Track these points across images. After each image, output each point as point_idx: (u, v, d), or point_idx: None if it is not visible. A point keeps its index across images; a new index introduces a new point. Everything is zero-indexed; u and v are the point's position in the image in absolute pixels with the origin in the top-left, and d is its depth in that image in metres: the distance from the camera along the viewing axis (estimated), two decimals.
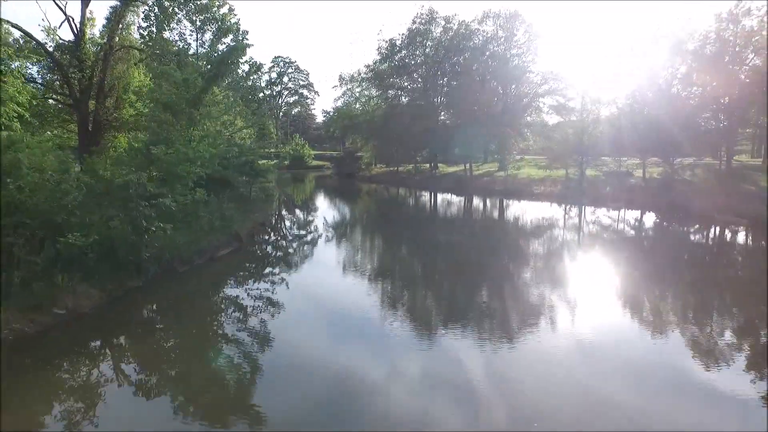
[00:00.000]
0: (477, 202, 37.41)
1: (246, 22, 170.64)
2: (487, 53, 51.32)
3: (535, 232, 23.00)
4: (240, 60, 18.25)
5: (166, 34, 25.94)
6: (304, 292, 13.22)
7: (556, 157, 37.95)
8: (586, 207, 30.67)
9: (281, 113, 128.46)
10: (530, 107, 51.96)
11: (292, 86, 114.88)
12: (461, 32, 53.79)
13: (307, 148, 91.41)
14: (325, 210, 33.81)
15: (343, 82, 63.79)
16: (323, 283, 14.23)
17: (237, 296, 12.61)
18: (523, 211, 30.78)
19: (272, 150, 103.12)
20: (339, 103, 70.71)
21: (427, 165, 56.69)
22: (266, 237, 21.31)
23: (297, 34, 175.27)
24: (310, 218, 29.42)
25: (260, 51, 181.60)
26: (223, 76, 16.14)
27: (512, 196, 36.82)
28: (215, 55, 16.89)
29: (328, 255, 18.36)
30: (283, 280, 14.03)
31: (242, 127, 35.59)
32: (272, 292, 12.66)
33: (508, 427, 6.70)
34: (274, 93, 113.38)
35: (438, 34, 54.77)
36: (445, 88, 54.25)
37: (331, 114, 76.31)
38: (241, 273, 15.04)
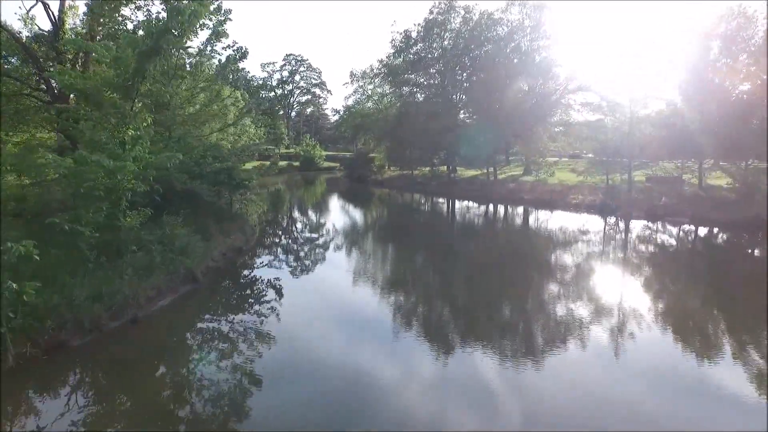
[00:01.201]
0: (503, 212, 32.16)
1: (258, 19, 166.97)
2: (512, 45, 45.92)
3: (584, 260, 17.74)
4: (195, 28, 13.41)
5: (126, 11, 21.16)
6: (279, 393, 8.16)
7: (597, 160, 32.54)
8: (638, 221, 25.28)
9: (293, 113, 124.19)
10: (559, 105, 46.32)
11: (304, 85, 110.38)
12: (483, 22, 48.44)
13: (318, 148, 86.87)
14: (328, 221, 28.92)
15: (355, 78, 59.06)
16: (308, 375, 8.23)
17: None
18: (561, 226, 25.43)
19: (282, 151, 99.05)
20: (350, 102, 66.07)
21: (444, 168, 51.53)
22: (241, 268, 16.39)
23: (310, 31, 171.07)
24: (308, 233, 24.53)
25: (272, 49, 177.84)
26: (164, 51, 11.48)
27: (544, 206, 31.50)
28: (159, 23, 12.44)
29: (318, 306, 12.35)
30: (235, 370, 8.33)
31: (229, 122, 30.69)
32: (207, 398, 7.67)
33: None
34: (286, 92, 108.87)
35: (457, 25, 49.49)
36: (465, 84, 48.90)
37: (342, 113, 71.44)
38: (164, 350, 9.38)
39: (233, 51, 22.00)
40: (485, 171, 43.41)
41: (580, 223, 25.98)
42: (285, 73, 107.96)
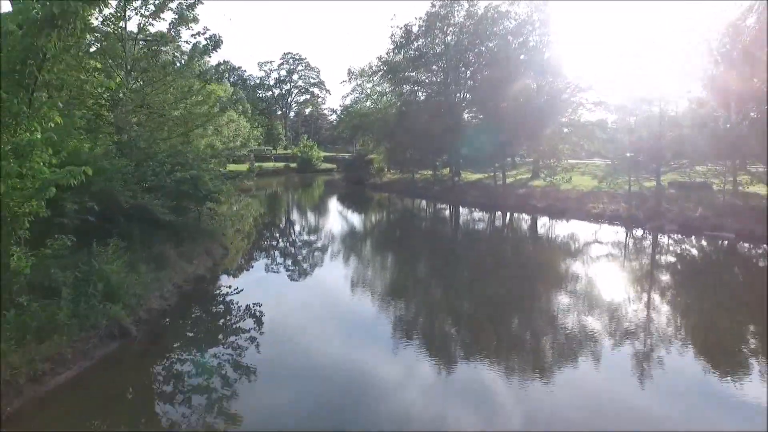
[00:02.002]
0: (514, 222, 28.80)
1: (255, 18, 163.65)
2: (520, 40, 42.60)
3: (625, 288, 14.42)
4: None
5: None
6: None
7: (618, 165, 29.21)
8: (671, 235, 21.97)
9: (292, 113, 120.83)
10: (570, 104, 42.92)
11: (302, 84, 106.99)
12: (489, 16, 45.10)
13: (316, 149, 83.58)
14: (320, 233, 25.60)
15: (353, 76, 55.64)
16: None
17: None
18: (584, 241, 22.10)
19: (279, 151, 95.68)
20: (348, 101, 62.67)
21: (447, 170, 48.08)
22: (200, 305, 13.06)
23: (308, 30, 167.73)
24: (295, 248, 21.20)
25: (269, 48, 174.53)
26: (66, 19, 8.35)
27: (558, 215, 28.16)
28: None
29: (300, 366, 8.93)
30: None
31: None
32: None
33: None
34: (283, 91, 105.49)
35: (461, 19, 46.11)
36: (470, 82, 45.54)
37: (339, 113, 67.99)
38: None
39: (205, 40, 18.72)
40: (491, 175, 40.04)
41: (605, 236, 22.65)
42: (283, 72, 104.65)
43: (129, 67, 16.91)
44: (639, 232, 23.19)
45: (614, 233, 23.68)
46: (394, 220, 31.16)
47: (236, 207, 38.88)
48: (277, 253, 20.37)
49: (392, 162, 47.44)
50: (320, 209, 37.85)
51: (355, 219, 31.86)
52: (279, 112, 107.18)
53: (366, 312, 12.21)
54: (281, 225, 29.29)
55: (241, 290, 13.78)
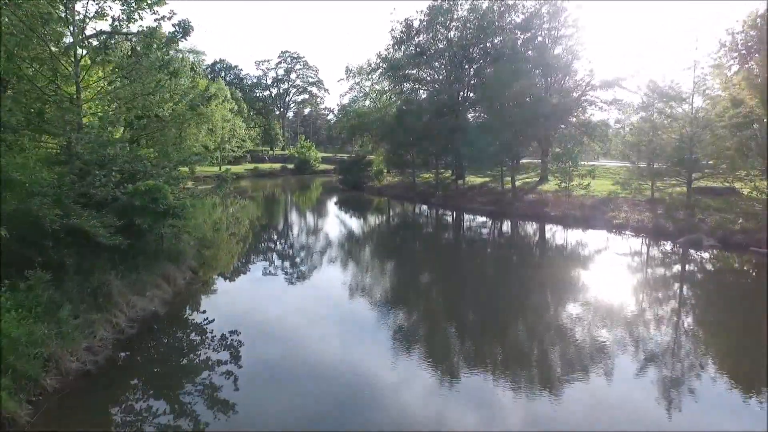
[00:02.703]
0: (525, 233, 25.97)
1: (251, 16, 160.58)
2: (528, 34, 39.83)
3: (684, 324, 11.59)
4: None
5: None
6: None
7: (643, 169, 26.37)
8: (712, 251, 19.13)
9: (291, 113, 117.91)
10: (581, 103, 40.06)
11: (300, 83, 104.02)
12: (494, 8, 42.32)
13: (313, 150, 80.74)
14: (309, 247, 22.73)
15: (351, 74, 52.80)
16: None
17: None
18: (612, 258, 19.26)
19: (277, 152, 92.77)
20: (346, 100, 59.87)
21: (449, 173, 45.17)
22: (150, 354, 10.21)
23: (305, 29, 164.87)
24: (276, 271, 18.31)
25: (267, 47, 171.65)
26: None
27: (575, 224, 25.34)
28: None
29: None
30: None
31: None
32: None
33: None
34: (281, 91, 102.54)
35: (464, 13, 43.30)
36: (474, 80, 42.74)
37: (336, 112, 65.11)
38: None
39: (173, 26, 15.82)
40: (495, 177, 37.14)
41: (632, 251, 19.82)
42: (281, 71, 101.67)
43: (79, 55, 14.01)
44: (668, 246, 20.36)
45: (641, 247, 20.85)
46: (392, 230, 28.27)
47: (232, 209, 36.54)
48: (260, 271, 17.47)
49: (392, 164, 44.58)
50: (314, 215, 35.00)
51: (351, 228, 28.99)
52: (277, 112, 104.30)
53: (366, 362, 9.36)
54: (271, 235, 26.45)
55: (211, 321, 10.98)
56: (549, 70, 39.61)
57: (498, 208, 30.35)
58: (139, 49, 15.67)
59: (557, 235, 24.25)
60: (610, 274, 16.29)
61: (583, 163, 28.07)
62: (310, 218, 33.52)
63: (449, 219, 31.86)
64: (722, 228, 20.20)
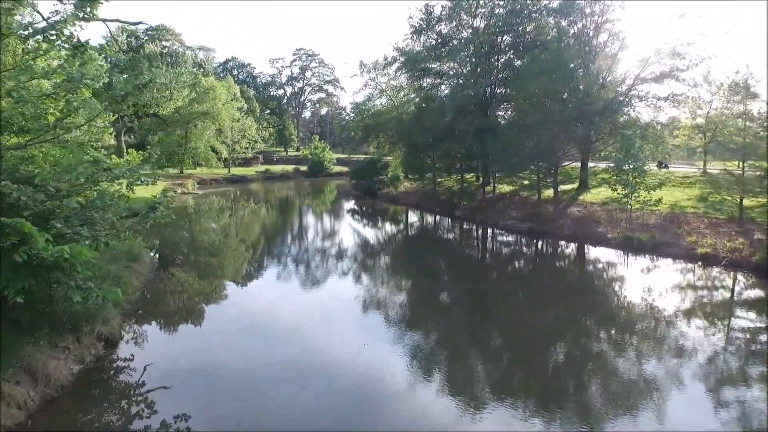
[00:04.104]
0: (590, 271, 20.25)
1: (267, 13, 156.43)
2: (569, 19, 33.96)
3: None
4: None
5: None
6: None
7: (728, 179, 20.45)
8: None
9: (308, 112, 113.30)
10: (629, 98, 33.92)
11: (316, 82, 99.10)
12: None
13: (328, 151, 75.70)
14: (303, 280, 17.47)
15: (365, 69, 47.39)
16: None
17: None
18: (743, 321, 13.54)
19: (291, 153, 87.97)
20: (360, 97, 54.63)
21: (472, 176, 39.33)
22: None
23: (320, 24, 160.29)
24: (253, 315, 13.10)
25: (282, 45, 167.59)
26: None
27: (640, 250, 19.60)
28: None
29: None
30: None
31: None
32: None
33: None
34: (296, 89, 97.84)
35: None
36: (503, 73, 36.98)
37: (350, 111, 59.85)
38: None
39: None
40: (526, 185, 31.34)
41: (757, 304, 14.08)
42: (295, 69, 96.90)
43: None
44: None
45: (750, 290, 15.09)
46: (408, 263, 22.79)
47: (234, 219, 31.04)
48: (240, 317, 12.25)
49: (409, 168, 39.00)
50: (316, 234, 29.83)
51: (358, 257, 23.71)
52: (292, 112, 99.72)
53: None
54: (262, 263, 21.33)
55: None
56: (591, 61, 33.72)
57: (537, 225, 24.64)
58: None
59: (629, 270, 18.39)
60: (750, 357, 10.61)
61: (650, 167, 22.18)
62: (310, 238, 28.34)
63: (479, 238, 26.31)
64: None
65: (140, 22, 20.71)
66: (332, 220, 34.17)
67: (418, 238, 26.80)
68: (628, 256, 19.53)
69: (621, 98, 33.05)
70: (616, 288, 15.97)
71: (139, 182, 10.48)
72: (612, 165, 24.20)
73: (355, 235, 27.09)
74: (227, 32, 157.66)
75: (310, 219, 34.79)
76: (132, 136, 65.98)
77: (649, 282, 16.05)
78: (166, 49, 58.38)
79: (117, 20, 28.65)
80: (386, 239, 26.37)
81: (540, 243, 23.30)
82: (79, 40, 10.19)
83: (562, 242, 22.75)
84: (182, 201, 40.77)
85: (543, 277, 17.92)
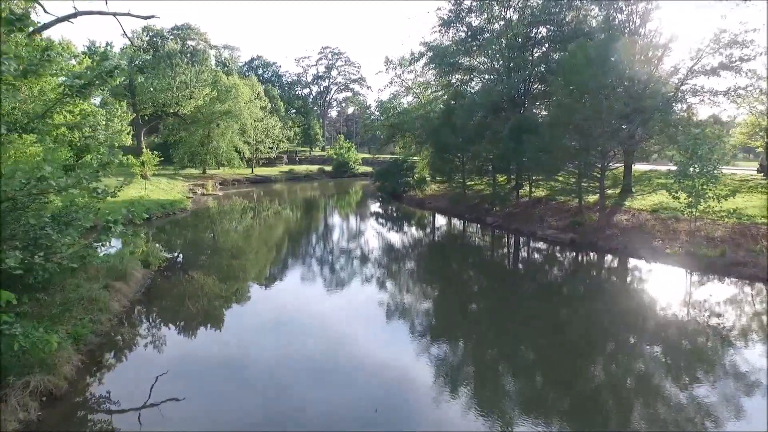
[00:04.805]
0: (656, 299, 17.30)
1: (294, 12, 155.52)
2: (616, 5, 30.66)
3: None
4: None
5: None
6: None
7: None
8: None
9: (334, 112, 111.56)
10: (683, 93, 30.37)
11: (341, 81, 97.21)
12: None
13: (353, 151, 73.60)
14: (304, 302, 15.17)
15: (390, 66, 44.92)
16: None
17: None
18: None
19: (316, 153, 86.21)
20: (385, 95, 52.22)
21: (503, 178, 36.11)
22: None
23: (347, 22, 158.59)
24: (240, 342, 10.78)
25: (308, 44, 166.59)
26: None
27: (709, 270, 16.56)
28: None
29: None
30: None
31: None
32: None
33: None
34: (321, 88, 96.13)
35: None
36: (541, 66, 33.89)
37: (374, 109, 57.44)
38: None
39: None
40: (565, 188, 28.25)
41: None
42: (321, 68, 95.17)
43: None
44: None
45: None
46: (438, 281, 20.29)
47: (257, 222, 29.00)
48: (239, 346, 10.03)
49: (437, 170, 36.28)
50: (336, 240, 27.59)
51: (384, 260, 21.30)
52: (318, 111, 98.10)
53: None
54: (270, 282, 19.17)
55: None
56: (639, 52, 30.33)
57: (581, 237, 21.70)
58: None
59: (704, 295, 15.43)
60: None
61: (719, 173, 18.94)
62: (328, 249, 26.09)
63: (514, 250, 23.54)
64: None
65: (152, 16, 19.17)
66: (353, 227, 31.86)
67: (445, 249, 24.12)
68: (691, 276, 16.52)
69: (672, 93, 29.63)
70: (695, 319, 13.04)
71: (95, 194, 8.27)
72: (662, 168, 20.98)
73: (378, 245, 24.63)
74: (253, 31, 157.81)
75: (330, 224, 32.59)
76: (157, 137, 65.36)
77: (735, 313, 13.06)
78: (189, 48, 57.21)
79: (128, 14, 27.04)
80: (412, 250, 23.85)
81: (585, 257, 20.39)
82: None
83: (610, 256, 19.80)
84: (202, 202, 39.23)
85: (598, 304, 15.08)
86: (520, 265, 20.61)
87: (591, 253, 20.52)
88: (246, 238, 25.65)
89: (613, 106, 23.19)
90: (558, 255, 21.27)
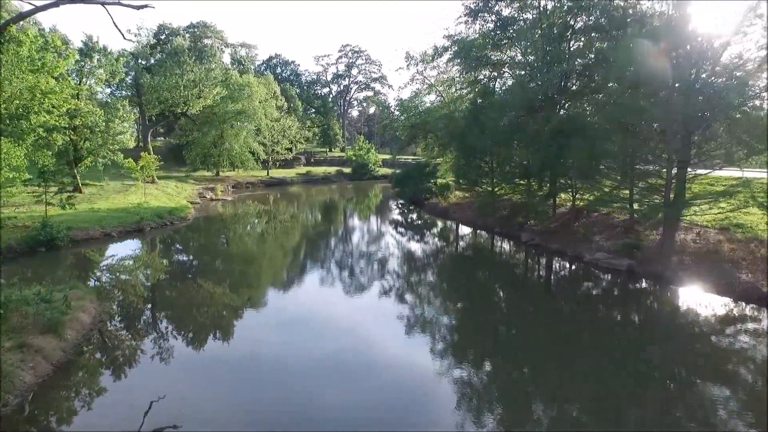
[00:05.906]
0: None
1: (313, 9, 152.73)
2: None
3: None
4: None
5: None
6: None
7: None
8: None
9: (355, 111, 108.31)
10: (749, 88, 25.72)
11: (362, 79, 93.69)
12: None
13: (373, 152, 70.15)
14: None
15: (412, 62, 41.13)
16: None
17: None
18: None
19: (336, 154, 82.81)
20: (406, 93, 48.52)
21: (536, 186, 31.50)
22: None
23: (367, 19, 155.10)
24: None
25: (327, 42, 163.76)
26: None
27: None
28: None
29: None
30: None
31: None
32: None
33: None
34: (342, 88, 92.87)
35: None
36: (582, 59, 29.64)
37: (394, 108, 53.73)
38: None
39: None
40: (608, 198, 24.01)
41: None
42: (341, 67, 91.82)
43: None
44: None
45: None
46: (463, 310, 16.49)
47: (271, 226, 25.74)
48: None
49: (462, 176, 32.24)
50: (340, 257, 24.05)
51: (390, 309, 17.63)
52: (338, 111, 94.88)
53: None
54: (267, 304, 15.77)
55: None
56: (684, 40, 25.84)
57: (640, 265, 17.58)
58: None
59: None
60: None
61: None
62: (335, 261, 22.55)
63: (561, 280, 19.54)
64: None
65: (145, 6, 16.18)
66: (363, 249, 28.29)
67: (471, 287, 19.21)
68: None
69: (738, 87, 25.06)
70: None
71: None
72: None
73: (391, 276, 20.81)
74: (273, 30, 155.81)
75: (339, 246, 29.11)
76: (171, 138, 63.10)
77: None
78: (206, 46, 54.48)
79: (118, 2, 24.01)
80: (429, 291, 20.09)
81: (654, 296, 16.24)
82: None
83: (686, 294, 15.62)
84: (208, 209, 36.26)
85: (712, 389, 11.11)
86: (578, 314, 15.74)
87: (657, 287, 16.44)
88: (243, 263, 22.33)
89: (674, 104, 18.97)
90: (618, 291, 17.07)
